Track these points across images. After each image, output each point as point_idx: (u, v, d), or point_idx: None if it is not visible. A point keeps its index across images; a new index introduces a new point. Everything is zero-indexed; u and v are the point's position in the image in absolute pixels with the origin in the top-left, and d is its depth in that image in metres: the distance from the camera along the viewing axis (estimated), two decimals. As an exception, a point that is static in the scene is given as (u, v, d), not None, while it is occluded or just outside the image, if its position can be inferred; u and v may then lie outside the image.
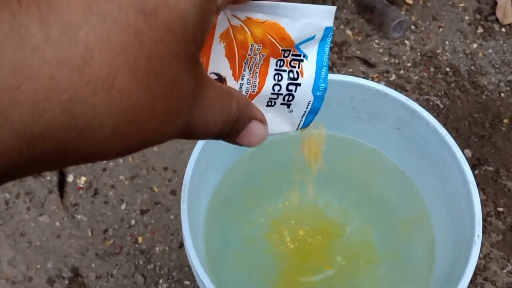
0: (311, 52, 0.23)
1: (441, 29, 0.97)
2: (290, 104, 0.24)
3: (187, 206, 0.40)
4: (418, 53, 0.94)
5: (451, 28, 0.97)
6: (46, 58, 0.13)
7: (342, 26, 0.97)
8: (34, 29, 0.13)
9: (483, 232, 0.76)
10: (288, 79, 0.24)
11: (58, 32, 0.13)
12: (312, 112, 0.25)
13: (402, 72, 0.91)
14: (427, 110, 0.85)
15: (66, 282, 0.72)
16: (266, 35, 0.22)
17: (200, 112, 0.18)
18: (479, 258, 0.74)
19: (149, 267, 0.73)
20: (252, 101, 0.24)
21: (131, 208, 0.77)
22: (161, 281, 0.72)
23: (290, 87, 0.24)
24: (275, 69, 0.23)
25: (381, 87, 0.46)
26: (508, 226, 0.77)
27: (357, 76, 0.90)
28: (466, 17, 0.99)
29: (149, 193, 0.78)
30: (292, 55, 0.23)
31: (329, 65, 0.91)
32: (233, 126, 0.20)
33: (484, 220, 0.77)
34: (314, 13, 0.22)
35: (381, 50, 0.94)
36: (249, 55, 0.23)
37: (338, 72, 0.91)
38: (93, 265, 0.73)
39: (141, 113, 0.15)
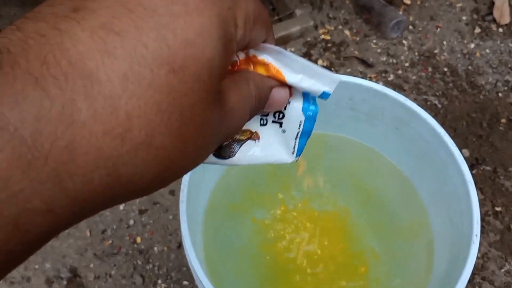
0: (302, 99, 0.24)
1: (438, 29, 0.97)
2: (282, 123, 0.25)
3: (186, 206, 0.40)
4: (416, 53, 0.94)
5: (448, 28, 0.98)
6: (94, 131, 0.14)
7: (340, 27, 0.97)
8: (81, 104, 0.14)
9: (481, 232, 0.76)
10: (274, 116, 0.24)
11: (102, 105, 0.14)
12: (305, 135, 0.25)
13: (400, 72, 0.91)
14: (425, 110, 0.86)
15: (65, 282, 0.72)
16: (266, 75, 0.23)
17: (229, 123, 0.19)
18: (477, 257, 0.74)
19: (148, 267, 0.73)
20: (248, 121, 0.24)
21: (130, 208, 0.77)
22: (159, 281, 0.72)
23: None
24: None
25: (379, 87, 0.46)
26: (506, 225, 0.77)
27: (355, 76, 0.90)
28: (464, 17, 0.99)
29: (148, 193, 0.78)
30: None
31: (327, 66, 0.91)
32: (260, 105, 0.21)
33: (482, 219, 0.77)
34: (318, 75, 0.23)
35: (379, 50, 0.94)
36: None
37: (336, 72, 0.91)
38: (91, 265, 0.73)
39: (176, 158, 0.16)
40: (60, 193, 0.14)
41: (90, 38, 0.14)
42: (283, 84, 0.23)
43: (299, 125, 0.25)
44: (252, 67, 0.22)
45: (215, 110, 0.17)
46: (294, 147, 0.26)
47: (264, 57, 0.22)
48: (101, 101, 0.14)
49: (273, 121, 0.25)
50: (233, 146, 0.25)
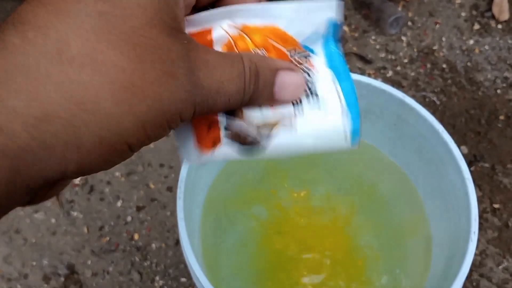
0: (317, 46, 0.22)
1: (437, 26, 0.97)
2: (314, 92, 0.21)
3: (183, 203, 0.40)
4: (415, 50, 0.94)
5: (447, 25, 0.97)
6: (28, 54, 0.16)
7: (338, 22, 0.97)
8: (13, 38, 0.16)
9: (479, 229, 0.76)
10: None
11: (32, 34, 0.16)
12: (345, 80, 0.22)
13: (398, 68, 0.91)
14: (423, 106, 0.85)
15: (62, 279, 0.72)
16: (266, 40, 0.21)
17: (206, 73, 0.19)
18: (475, 254, 0.74)
19: (145, 264, 0.73)
20: (275, 105, 0.21)
21: (127, 205, 0.77)
22: (157, 278, 0.72)
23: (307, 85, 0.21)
24: None
25: (377, 83, 0.46)
26: (504, 222, 0.77)
27: (353, 73, 0.90)
28: (463, 14, 0.99)
29: (145, 190, 0.78)
30: (298, 53, 0.21)
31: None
32: (258, 83, 0.20)
33: (480, 216, 0.77)
34: (311, 9, 0.21)
35: (377, 47, 0.94)
36: None
37: (335, 68, 0.91)
38: (89, 262, 0.73)
39: (134, 78, 0.16)
40: (7, 111, 0.15)
41: (26, 1, 0.17)
42: (293, 68, 0.21)
43: (334, 84, 0.21)
44: (248, 39, 0.21)
45: (170, 40, 0.18)
46: (345, 129, 0.21)
47: (255, 22, 0.21)
48: (31, 32, 0.16)
49: (309, 107, 0.21)
50: (259, 139, 0.21)
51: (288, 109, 0.21)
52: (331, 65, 0.21)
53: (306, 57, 0.21)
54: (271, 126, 0.21)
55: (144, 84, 0.17)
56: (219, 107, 0.19)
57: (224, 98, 0.19)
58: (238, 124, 0.21)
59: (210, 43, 0.21)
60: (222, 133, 0.21)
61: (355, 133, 0.22)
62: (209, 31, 0.21)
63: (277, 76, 0.20)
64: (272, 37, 0.21)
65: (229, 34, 0.21)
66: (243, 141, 0.21)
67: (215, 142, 0.22)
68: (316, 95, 0.21)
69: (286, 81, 0.20)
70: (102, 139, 0.16)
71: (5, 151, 0.15)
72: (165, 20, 0.18)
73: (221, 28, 0.21)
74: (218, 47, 0.21)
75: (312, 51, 0.22)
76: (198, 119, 0.22)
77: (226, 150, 0.22)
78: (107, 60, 0.16)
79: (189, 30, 0.21)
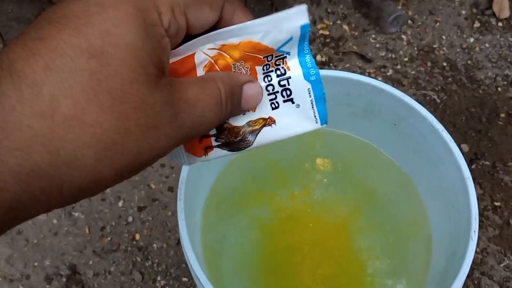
0: (292, 49, 0.24)
1: (437, 24, 0.97)
2: (292, 98, 0.25)
3: (184, 204, 0.40)
4: (415, 48, 0.94)
5: (447, 23, 0.97)
6: (23, 112, 0.17)
7: (338, 21, 0.97)
8: (10, 93, 0.17)
9: (480, 227, 0.76)
10: (277, 77, 0.25)
11: (28, 91, 0.17)
12: (319, 100, 0.26)
13: (399, 67, 0.91)
14: (424, 105, 0.85)
15: (64, 279, 0.72)
16: (244, 53, 0.24)
17: (188, 113, 0.21)
18: (476, 252, 0.74)
19: (147, 264, 0.73)
20: (257, 107, 0.25)
21: (128, 205, 0.77)
22: (159, 278, 0.72)
23: (282, 82, 0.25)
24: (263, 73, 0.25)
25: (377, 82, 0.46)
26: (505, 220, 0.77)
27: (354, 72, 0.89)
28: (463, 11, 0.99)
29: (146, 190, 0.78)
30: (275, 57, 0.24)
31: (325, 61, 0.91)
32: (233, 102, 0.23)
33: (481, 214, 0.77)
34: (283, 19, 0.23)
35: (378, 45, 0.94)
36: (234, 71, 0.24)
37: (335, 67, 0.91)
38: (90, 262, 0.73)
39: (117, 136, 0.18)
40: (2, 166, 0.16)
41: (19, 48, 0.18)
42: (252, 80, 0.24)
43: (309, 93, 0.25)
44: (227, 56, 0.23)
45: (155, 92, 0.19)
46: (315, 116, 0.26)
47: (232, 41, 0.23)
48: (26, 89, 0.17)
49: (284, 101, 0.25)
50: (247, 139, 0.26)
51: (266, 108, 0.25)
52: (302, 63, 0.25)
53: (282, 59, 0.25)
54: (256, 127, 0.26)
55: (127, 141, 0.18)
56: (200, 135, 0.22)
57: (205, 127, 0.22)
58: (227, 135, 0.26)
59: (193, 67, 0.24)
60: (214, 142, 0.26)
61: (323, 119, 0.26)
62: (192, 56, 0.24)
63: (243, 90, 0.24)
64: (249, 50, 0.24)
65: (209, 56, 0.24)
66: (235, 146, 0.26)
67: (207, 149, 0.26)
68: (289, 90, 0.25)
69: (249, 92, 0.24)
70: (82, 189, 0.18)
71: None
72: (151, 72, 0.19)
73: (202, 52, 0.24)
74: (200, 70, 0.24)
75: (288, 53, 0.24)
76: None
77: (217, 153, 0.26)
78: (94, 121, 0.17)
79: (173, 60, 0.24)
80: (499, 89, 0.89)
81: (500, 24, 0.97)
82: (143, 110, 0.19)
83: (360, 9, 0.97)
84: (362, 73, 0.90)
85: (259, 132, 0.26)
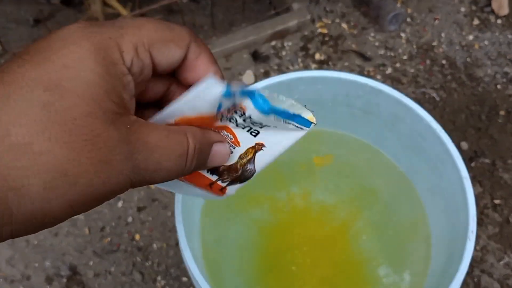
0: (235, 99, 0.24)
1: (437, 21, 0.97)
2: (266, 125, 0.26)
3: (182, 206, 0.40)
4: (414, 46, 0.93)
5: (447, 20, 0.97)
6: None
7: (337, 20, 0.96)
8: None
9: (480, 225, 0.76)
10: (240, 116, 0.25)
11: None
12: (290, 117, 0.25)
13: (398, 65, 0.91)
14: (423, 103, 0.85)
15: (65, 280, 0.72)
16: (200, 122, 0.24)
17: (145, 155, 0.21)
18: (476, 250, 0.74)
19: (147, 264, 0.73)
20: (240, 142, 0.26)
21: (128, 206, 0.77)
22: (159, 278, 0.72)
23: (247, 120, 0.25)
24: (228, 119, 0.25)
25: (375, 83, 0.46)
26: (504, 218, 0.77)
27: (353, 70, 0.89)
28: (462, 9, 0.98)
29: (146, 190, 0.78)
30: (228, 112, 0.25)
31: (324, 59, 0.91)
32: (199, 159, 0.23)
33: (481, 212, 0.77)
34: (201, 93, 0.23)
35: (377, 44, 0.94)
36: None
37: (334, 66, 0.90)
38: (91, 263, 0.74)
39: (68, 167, 0.18)
40: None
41: None
42: (223, 141, 0.25)
43: (277, 119, 0.25)
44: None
45: (110, 128, 0.19)
46: (296, 126, 0.26)
47: (171, 120, 0.23)
48: None
49: (260, 127, 0.26)
50: (248, 168, 0.27)
51: (249, 139, 0.26)
52: (254, 102, 0.24)
53: (235, 111, 0.25)
54: (249, 156, 0.27)
55: (77, 172, 0.18)
56: (157, 181, 0.22)
57: (164, 175, 0.22)
58: (228, 173, 0.27)
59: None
60: (222, 184, 0.27)
61: (306, 124, 0.26)
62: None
63: (212, 149, 0.24)
64: (194, 124, 0.24)
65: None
66: (242, 178, 0.27)
67: (223, 190, 0.28)
68: (258, 122, 0.25)
69: (218, 152, 0.25)
70: (33, 219, 0.18)
71: None
72: (108, 108, 0.19)
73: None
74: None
75: (234, 104, 0.24)
76: (194, 181, 0.27)
77: (233, 188, 0.28)
78: (44, 150, 0.18)
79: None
80: (499, 86, 0.89)
81: (499, 21, 0.97)
82: (95, 144, 0.19)
83: (359, 8, 0.97)
84: (361, 71, 0.90)
85: (254, 159, 0.27)
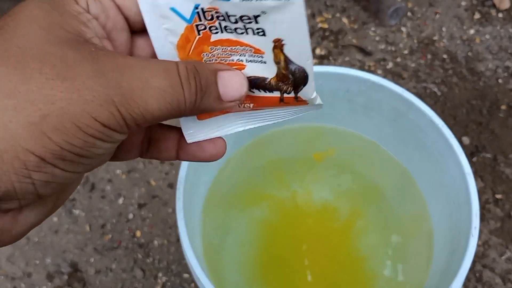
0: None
1: (437, 16, 0.96)
2: (255, 15, 0.21)
3: (183, 203, 0.40)
4: (415, 40, 0.93)
5: (447, 14, 0.96)
6: None
7: (338, 14, 0.96)
8: None
9: (482, 220, 0.76)
10: (223, 20, 0.21)
11: None
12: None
13: (399, 60, 0.91)
14: (424, 98, 0.85)
15: (66, 277, 0.72)
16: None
17: (123, 73, 0.18)
18: (478, 245, 0.74)
19: (148, 260, 0.73)
20: (265, 51, 0.22)
21: (129, 202, 0.77)
22: (160, 274, 0.72)
23: (231, 19, 0.21)
24: (223, 31, 0.21)
25: (376, 78, 0.46)
26: (506, 213, 0.77)
27: (353, 65, 0.89)
28: (463, 3, 0.98)
29: (146, 187, 0.78)
30: (200, 20, 0.21)
31: (325, 54, 0.90)
32: (199, 80, 0.20)
33: (482, 207, 0.77)
34: (150, 13, 0.21)
35: (377, 38, 0.93)
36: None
37: (335, 61, 0.90)
38: (92, 260, 0.73)
39: (19, 87, 0.17)
40: None
41: None
42: (231, 68, 0.21)
43: None
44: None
45: (66, 49, 0.18)
46: None
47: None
48: None
49: (250, 21, 0.21)
50: (294, 69, 0.22)
51: (267, 42, 0.21)
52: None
53: (215, 16, 0.21)
54: (282, 57, 0.22)
55: (30, 90, 0.17)
56: (157, 108, 0.18)
57: (158, 96, 0.18)
58: (287, 83, 0.22)
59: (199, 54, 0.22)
60: (293, 95, 0.23)
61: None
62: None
63: (218, 76, 0.21)
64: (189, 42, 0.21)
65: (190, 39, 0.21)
66: (301, 82, 0.22)
67: (299, 99, 0.23)
68: (245, 15, 0.21)
69: (228, 79, 0.21)
70: (2, 152, 0.16)
71: None
72: (62, 34, 0.18)
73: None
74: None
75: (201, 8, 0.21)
76: (262, 103, 0.23)
77: (309, 92, 0.23)
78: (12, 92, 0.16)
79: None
80: (500, 81, 0.89)
81: (500, 15, 0.96)
82: (48, 63, 0.17)
83: (359, 2, 0.97)
84: (362, 66, 0.89)
85: (287, 58, 0.22)
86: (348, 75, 0.46)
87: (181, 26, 0.21)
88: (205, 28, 0.21)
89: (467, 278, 0.72)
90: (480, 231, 0.75)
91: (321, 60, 0.90)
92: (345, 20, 0.95)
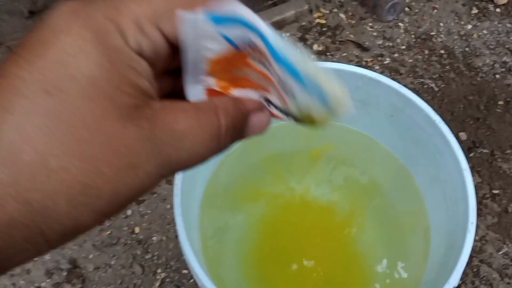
0: (241, 33, 0.20)
1: (435, 11, 0.96)
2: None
3: (180, 200, 0.40)
4: (412, 36, 0.93)
5: (445, 10, 0.96)
6: None
7: (335, 10, 0.96)
8: None
9: (479, 215, 0.76)
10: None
11: None
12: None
13: (396, 55, 0.91)
14: (421, 93, 0.85)
15: (65, 273, 0.72)
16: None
17: (174, 147, 0.18)
18: (475, 240, 0.74)
19: (147, 257, 0.73)
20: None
21: (127, 199, 0.77)
22: (159, 270, 0.73)
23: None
24: (262, 66, 0.21)
25: (373, 74, 0.46)
26: (503, 208, 0.77)
27: (351, 61, 0.89)
28: (461, -2, 0.98)
29: (145, 183, 0.78)
30: (248, 50, 0.20)
31: (322, 50, 0.90)
32: (234, 135, 0.20)
33: (479, 202, 0.77)
34: (193, 31, 0.19)
35: (375, 34, 0.93)
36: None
37: (332, 56, 0.90)
38: (90, 256, 0.74)
39: (89, 180, 0.16)
40: None
41: None
42: (261, 108, 0.21)
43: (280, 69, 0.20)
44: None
45: (130, 126, 0.17)
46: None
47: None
48: None
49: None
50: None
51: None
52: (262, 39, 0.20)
53: (253, 48, 0.20)
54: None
55: (100, 183, 0.17)
56: (190, 167, 0.19)
57: (196, 162, 0.19)
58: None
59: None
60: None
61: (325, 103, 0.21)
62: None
63: (250, 120, 0.21)
64: (231, 61, 0.20)
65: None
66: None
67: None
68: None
69: (256, 123, 0.21)
70: (66, 234, 0.17)
71: None
72: (122, 103, 0.17)
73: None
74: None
75: (253, 42, 0.20)
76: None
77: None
78: (60, 166, 0.16)
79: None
80: (497, 76, 0.89)
81: (498, 10, 0.96)
82: (114, 149, 0.17)
83: (357, -3, 0.97)
84: (359, 62, 0.90)
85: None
86: (345, 71, 0.46)
87: (224, 47, 0.20)
88: (247, 53, 0.20)
89: (464, 273, 0.72)
90: (477, 226, 0.76)
91: (318, 55, 0.90)
92: (342, 15, 0.95)
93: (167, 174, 0.18)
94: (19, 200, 0.16)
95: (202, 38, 0.19)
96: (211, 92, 0.21)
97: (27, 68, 0.16)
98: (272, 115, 0.23)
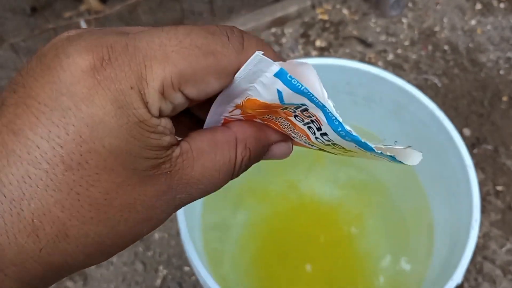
0: (304, 100, 0.19)
1: (439, 6, 0.95)
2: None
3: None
4: (416, 31, 0.92)
5: (449, 5, 0.96)
6: (8, 231, 0.16)
7: (338, 6, 0.95)
8: None
9: (482, 211, 0.76)
10: (317, 130, 0.20)
11: (7, 207, 0.16)
12: (363, 145, 0.20)
13: (399, 51, 0.90)
14: (425, 89, 0.85)
15: (67, 270, 0.72)
16: (257, 110, 0.20)
17: (190, 190, 0.18)
18: (478, 237, 0.74)
19: (149, 254, 0.73)
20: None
21: (129, 196, 0.77)
22: (161, 267, 0.72)
23: (325, 137, 0.20)
24: (303, 124, 0.20)
25: (377, 71, 0.46)
26: (507, 205, 0.77)
27: (354, 57, 0.88)
28: (464, -7, 0.97)
29: (147, 180, 0.78)
30: (295, 109, 0.19)
31: (325, 46, 0.90)
32: (250, 163, 0.20)
33: (483, 199, 0.77)
34: (253, 73, 0.18)
35: (378, 29, 0.92)
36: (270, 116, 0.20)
37: (335, 52, 0.89)
38: (93, 253, 0.74)
39: (107, 240, 0.17)
40: (6, 281, 0.16)
41: None
42: (285, 140, 0.21)
43: (354, 145, 0.19)
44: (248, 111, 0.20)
45: (147, 186, 0.17)
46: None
47: (237, 102, 0.19)
48: (6, 204, 0.16)
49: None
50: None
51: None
52: (330, 122, 0.19)
53: (304, 110, 0.19)
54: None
55: (117, 240, 0.17)
56: (201, 197, 0.20)
57: (208, 192, 0.19)
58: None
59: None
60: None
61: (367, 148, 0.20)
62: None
63: (271, 149, 0.21)
64: (257, 107, 0.19)
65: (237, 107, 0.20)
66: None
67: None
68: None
69: (278, 152, 0.21)
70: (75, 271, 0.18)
71: None
72: (143, 167, 0.17)
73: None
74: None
75: (304, 104, 0.19)
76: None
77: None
78: (79, 234, 0.16)
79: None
80: (501, 71, 0.88)
81: (502, 5, 0.96)
82: (131, 209, 0.17)
83: (359, -7, 0.96)
84: (362, 58, 0.89)
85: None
86: (348, 67, 0.46)
87: (273, 98, 0.19)
88: (291, 112, 0.20)
89: (468, 270, 0.72)
90: (481, 223, 0.75)
91: (321, 52, 0.89)
92: (345, 11, 0.94)
93: (176, 210, 0.19)
94: (41, 263, 0.16)
95: (256, 81, 0.18)
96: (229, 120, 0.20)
97: (45, 136, 0.16)
98: (296, 144, 0.22)
